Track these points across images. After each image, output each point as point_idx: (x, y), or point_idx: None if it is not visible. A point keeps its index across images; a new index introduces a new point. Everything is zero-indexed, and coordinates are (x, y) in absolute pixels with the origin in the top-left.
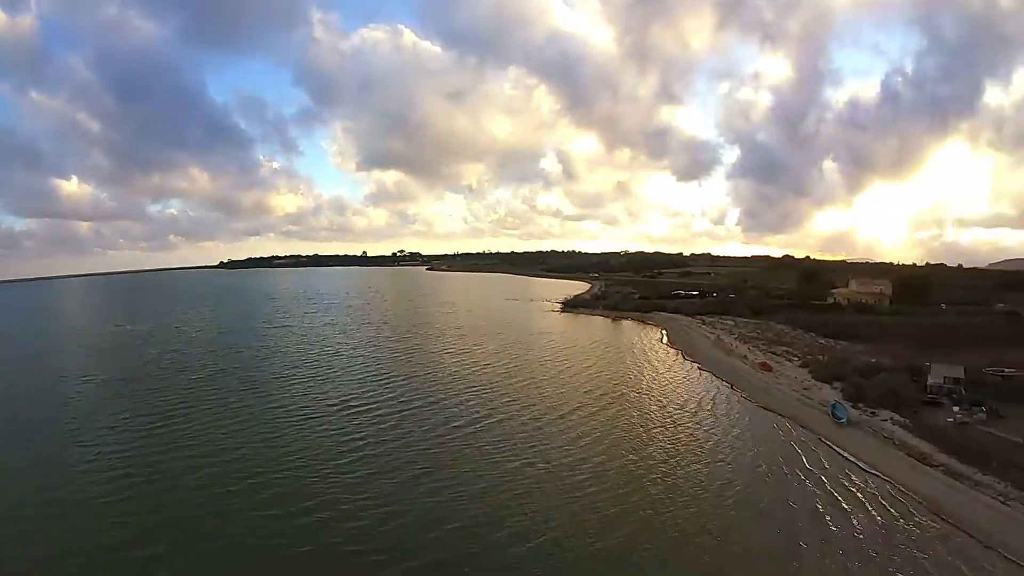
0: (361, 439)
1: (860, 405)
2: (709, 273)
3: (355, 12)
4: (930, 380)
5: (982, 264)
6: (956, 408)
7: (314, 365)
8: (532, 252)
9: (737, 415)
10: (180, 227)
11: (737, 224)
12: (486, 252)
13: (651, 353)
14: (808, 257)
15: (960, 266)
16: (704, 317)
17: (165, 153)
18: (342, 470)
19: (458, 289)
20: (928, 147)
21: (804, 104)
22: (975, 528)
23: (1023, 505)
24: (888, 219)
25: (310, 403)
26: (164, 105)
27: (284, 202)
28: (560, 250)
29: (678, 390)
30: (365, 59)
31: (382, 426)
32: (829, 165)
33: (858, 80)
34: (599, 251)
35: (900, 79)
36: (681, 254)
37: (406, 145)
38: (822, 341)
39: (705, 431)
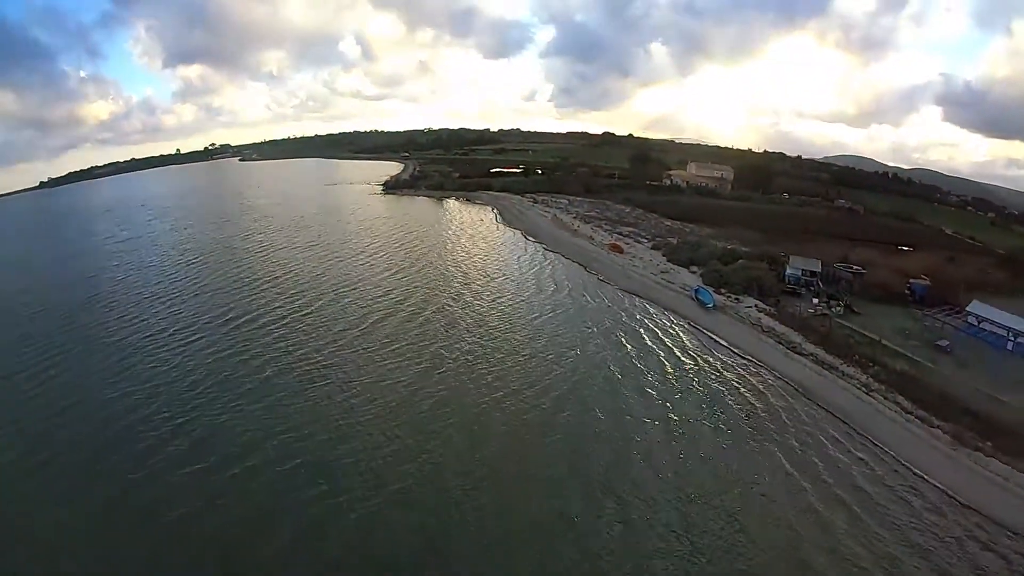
0: (258, 355)
1: (723, 291)
2: (527, 150)
3: None
4: (788, 271)
5: (818, 156)
6: (815, 300)
7: (175, 278)
8: (336, 134)
9: (600, 299)
10: None
11: (550, 100)
12: (291, 138)
13: (491, 235)
14: (631, 135)
15: (799, 157)
16: (535, 196)
17: None
18: (248, 397)
19: (278, 178)
20: (771, 39)
21: None
22: (844, 413)
23: (883, 396)
24: (722, 103)
25: (192, 321)
26: None
27: (96, 110)
28: (363, 131)
29: (530, 274)
30: None
31: (271, 339)
32: (658, 48)
33: None
34: (403, 129)
35: None
36: (489, 130)
37: (208, 37)
38: (667, 223)
39: (571, 316)
